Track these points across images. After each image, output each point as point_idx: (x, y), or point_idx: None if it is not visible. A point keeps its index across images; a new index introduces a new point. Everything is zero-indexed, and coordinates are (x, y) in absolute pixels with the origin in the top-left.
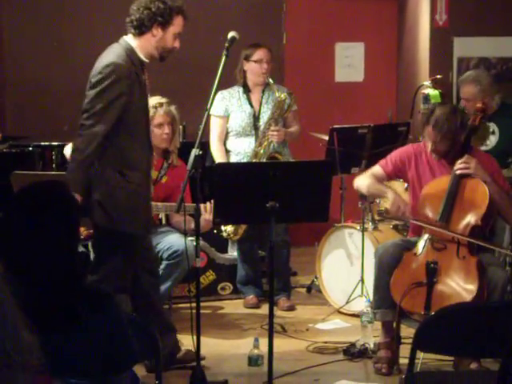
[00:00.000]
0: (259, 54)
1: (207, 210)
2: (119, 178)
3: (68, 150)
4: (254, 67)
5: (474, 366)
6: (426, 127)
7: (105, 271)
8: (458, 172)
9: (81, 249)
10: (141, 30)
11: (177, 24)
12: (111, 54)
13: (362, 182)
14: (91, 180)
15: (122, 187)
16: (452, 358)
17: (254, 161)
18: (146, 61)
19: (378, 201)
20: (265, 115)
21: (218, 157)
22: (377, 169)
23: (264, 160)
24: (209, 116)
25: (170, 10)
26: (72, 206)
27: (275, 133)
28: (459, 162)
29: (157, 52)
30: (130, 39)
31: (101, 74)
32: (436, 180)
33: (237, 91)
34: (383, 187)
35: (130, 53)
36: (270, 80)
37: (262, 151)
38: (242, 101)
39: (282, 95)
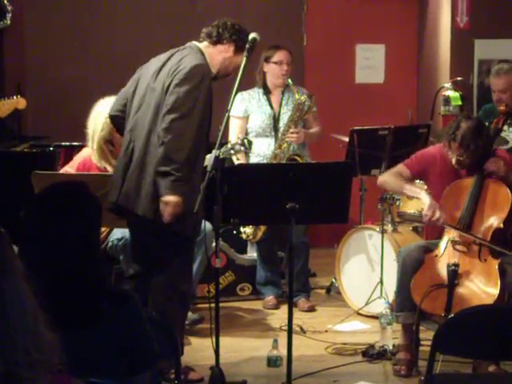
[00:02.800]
0: (279, 55)
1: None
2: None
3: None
4: (274, 69)
5: (492, 368)
6: (451, 143)
7: (171, 274)
8: (488, 174)
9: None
10: (219, 39)
11: (241, 57)
12: (193, 56)
13: (389, 179)
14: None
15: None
16: (471, 361)
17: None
18: (214, 72)
19: (397, 203)
20: (285, 117)
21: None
22: (402, 168)
23: (283, 162)
24: (229, 117)
25: (249, 44)
26: (93, 206)
27: (295, 135)
28: (489, 162)
29: (218, 68)
30: (201, 45)
31: (190, 73)
32: (458, 181)
33: (257, 92)
34: (416, 188)
35: (204, 57)
36: (290, 81)
37: (281, 153)
38: (261, 102)
39: (302, 97)
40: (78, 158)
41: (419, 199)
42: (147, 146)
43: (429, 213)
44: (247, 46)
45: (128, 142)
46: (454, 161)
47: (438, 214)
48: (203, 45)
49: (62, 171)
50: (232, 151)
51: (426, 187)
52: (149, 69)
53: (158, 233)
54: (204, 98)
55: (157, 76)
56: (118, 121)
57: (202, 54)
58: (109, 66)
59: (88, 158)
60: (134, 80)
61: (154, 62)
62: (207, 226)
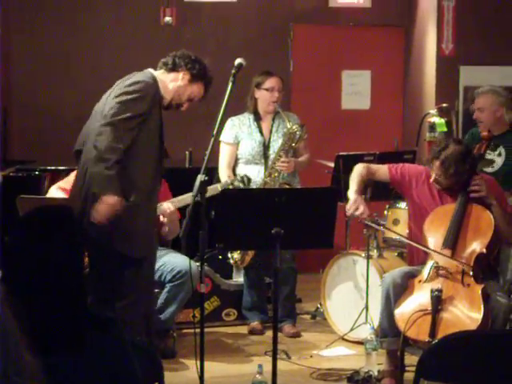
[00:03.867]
0: (271, 82)
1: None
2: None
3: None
4: (265, 95)
5: None
6: (434, 161)
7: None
8: (472, 195)
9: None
10: (173, 67)
11: (199, 89)
12: (141, 75)
13: (356, 170)
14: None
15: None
16: None
17: None
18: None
19: (382, 229)
20: (275, 144)
21: None
22: (383, 169)
23: None
24: (215, 142)
25: (205, 74)
26: (77, 230)
27: (285, 164)
28: (472, 184)
29: (171, 95)
30: (155, 73)
31: (129, 87)
32: (441, 207)
33: (247, 118)
34: (354, 185)
35: (156, 82)
36: (281, 109)
37: (271, 181)
38: (252, 128)
39: (294, 127)
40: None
41: (348, 194)
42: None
43: (351, 207)
44: (233, 71)
45: (82, 165)
46: (432, 179)
47: (361, 209)
48: (158, 72)
49: (56, 186)
50: (231, 186)
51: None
52: (103, 97)
53: (106, 255)
54: (139, 113)
55: (106, 100)
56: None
57: (156, 78)
58: (94, 90)
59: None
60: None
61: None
62: (187, 261)
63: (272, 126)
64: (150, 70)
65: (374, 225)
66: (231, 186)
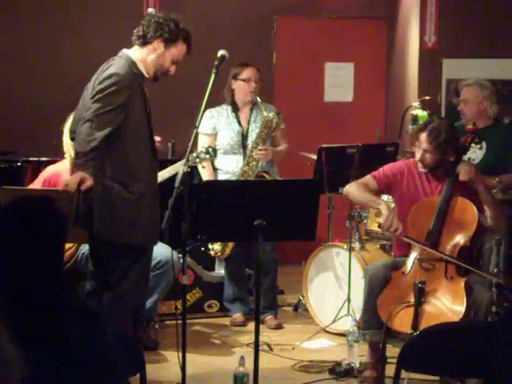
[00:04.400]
0: (247, 72)
1: None
2: (120, 189)
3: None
4: (242, 86)
5: None
6: (420, 134)
7: (115, 287)
8: (462, 178)
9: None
10: (144, 40)
11: (179, 49)
12: (114, 66)
13: (354, 189)
14: (92, 193)
15: (123, 198)
16: (438, 379)
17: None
18: (146, 75)
19: (365, 220)
20: (253, 134)
21: (206, 175)
22: (370, 179)
23: (252, 179)
24: (197, 134)
25: (179, 32)
26: (58, 221)
27: (263, 152)
28: (461, 163)
29: (153, 68)
30: (130, 52)
31: (102, 84)
32: (426, 199)
33: (225, 110)
34: (377, 198)
35: (132, 65)
36: (258, 99)
37: (249, 170)
38: (230, 119)
39: (270, 114)
40: (44, 175)
41: (379, 209)
42: None
43: (387, 224)
44: (215, 62)
45: None
46: (418, 156)
47: (395, 225)
48: (133, 50)
49: (43, 173)
50: (197, 160)
51: (393, 205)
52: (90, 83)
53: (106, 246)
54: (117, 106)
55: (91, 90)
56: None
57: (131, 60)
58: (77, 80)
59: (54, 174)
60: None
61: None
62: (169, 251)
63: (250, 117)
64: (125, 52)
65: (412, 241)
66: (198, 160)
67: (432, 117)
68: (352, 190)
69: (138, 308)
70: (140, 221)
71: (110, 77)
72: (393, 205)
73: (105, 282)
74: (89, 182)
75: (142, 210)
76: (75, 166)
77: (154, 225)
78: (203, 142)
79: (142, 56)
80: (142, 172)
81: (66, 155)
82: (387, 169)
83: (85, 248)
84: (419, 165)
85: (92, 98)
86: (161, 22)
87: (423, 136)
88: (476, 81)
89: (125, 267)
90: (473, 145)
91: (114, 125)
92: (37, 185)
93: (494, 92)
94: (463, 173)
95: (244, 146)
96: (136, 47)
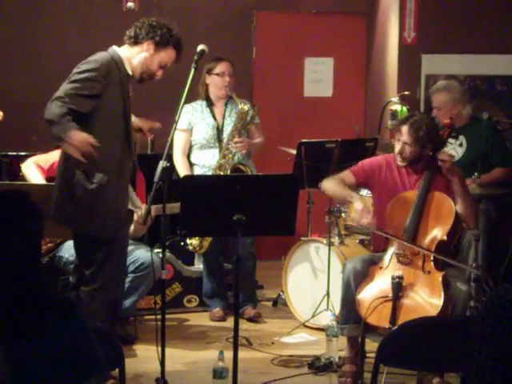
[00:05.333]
0: (221, 67)
1: (138, 215)
2: (81, 177)
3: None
4: (217, 80)
5: (436, 380)
6: (401, 126)
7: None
8: (440, 163)
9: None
10: (136, 40)
11: (169, 54)
12: (96, 55)
13: (331, 185)
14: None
15: (82, 187)
16: (416, 373)
17: (218, 173)
18: (130, 73)
19: (344, 215)
20: (228, 128)
21: (182, 170)
22: (347, 174)
23: (228, 172)
24: (176, 128)
25: (171, 37)
26: (34, 215)
27: (239, 144)
28: (442, 152)
29: (140, 69)
30: (120, 50)
31: (78, 68)
32: (403, 193)
33: (200, 105)
34: (352, 193)
35: (118, 60)
36: (233, 94)
37: (226, 163)
38: (205, 114)
39: (245, 106)
40: (55, 156)
41: (352, 203)
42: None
43: (356, 217)
44: (195, 57)
45: None
46: (397, 149)
47: (364, 221)
48: (123, 47)
49: (33, 160)
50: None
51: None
52: None
53: (80, 238)
54: (95, 93)
55: None
56: None
57: (118, 56)
58: (55, 75)
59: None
60: None
61: None
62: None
63: (225, 111)
64: (114, 48)
65: (382, 233)
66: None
67: (414, 111)
68: (328, 184)
69: (115, 302)
70: (98, 211)
71: (89, 62)
72: (370, 201)
73: (81, 275)
74: (87, 136)
75: (102, 201)
76: (55, 133)
77: (117, 217)
78: (179, 138)
79: (130, 54)
80: (108, 164)
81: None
82: (366, 163)
83: (67, 253)
84: (398, 158)
85: (69, 78)
86: (154, 25)
87: (404, 128)
88: (444, 85)
89: (99, 260)
90: (452, 141)
91: (85, 108)
92: (45, 162)
93: (465, 91)
94: (445, 155)
95: (220, 140)
96: (126, 46)
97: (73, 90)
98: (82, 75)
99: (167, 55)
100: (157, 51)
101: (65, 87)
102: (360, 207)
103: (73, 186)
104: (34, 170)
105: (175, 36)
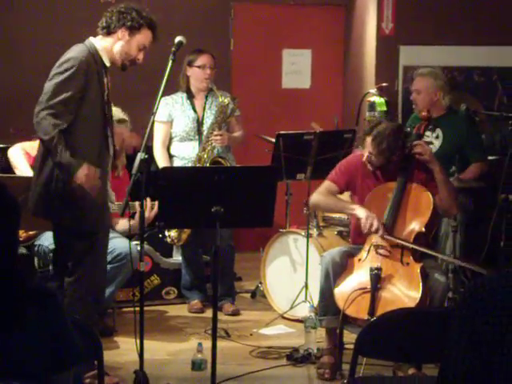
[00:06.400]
0: (202, 59)
1: (146, 208)
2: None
3: (13, 152)
4: (197, 73)
5: (412, 371)
6: (366, 137)
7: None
8: (417, 156)
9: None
10: (108, 30)
11: (144, 36)
12: (73, 50)
13: (322, 199)
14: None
15: (63, 180)
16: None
17: (197, 165)
18: (108, 64)
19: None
20: (208, 120)
21: (162, 162)
22: (329, 184)
23: (207, 164)
24: (154, 121)
25: (142, 19)
26: (11, 207)
27: (218, 137)
28: (417, 144)
29: (119, 58)
30: (95, 41)
31: (60, 67)
32: (381, 186)
33: (180, 97)
34: (350, 204)
35: (94, 52)
36: (214, 87)
37: (205, 156)
38: (185, 106)
39: (226, 100)
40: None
41: (354, 214)
42: (40, 151)
43: (367, 225)
44: (173, 49)
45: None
46: (364, 158)
47: (375, 226)
48: (98, 39)
49: (20, 145)
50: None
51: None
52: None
53: (61, 230)
54: (74, 91)
55: None
56: None
57: (94, 47)
58: (33, 68)
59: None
60: None
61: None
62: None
63: (205, 104)
64: (90, 40)
65: (392, 238)
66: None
67: (381, 119)
68: (320, 200)
69: (97, 294)
70: (78, 205)
71: (68, 60)
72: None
73: (63, 266)
74: (92, 169)
75: (82, 195)
76: (51, 155)
77: (97, 211)
78: (159, 130)
79: (106, 45)
80: (88, 158)
81: None
82: (342, 168)
83: (46, 242)
84: (367, 164)
85: (50, 80)
86: (123, 12)
87: (368, 139)
88: (430, 71)
89: (80, 252)
90: (428, 133)
91: (74, 110)
92: (32, 149)
93: (448, 82)
94: (420, 148)
95: (199, 132)
96: (100, 37)
97: (58, 97)
98: (64, 75)
99: (143, 37)
100: (132, 36)
101: (48, 94)
102: (363, 215)
103: (52, 179)
104: (21, 156)
105: (146, 17)
